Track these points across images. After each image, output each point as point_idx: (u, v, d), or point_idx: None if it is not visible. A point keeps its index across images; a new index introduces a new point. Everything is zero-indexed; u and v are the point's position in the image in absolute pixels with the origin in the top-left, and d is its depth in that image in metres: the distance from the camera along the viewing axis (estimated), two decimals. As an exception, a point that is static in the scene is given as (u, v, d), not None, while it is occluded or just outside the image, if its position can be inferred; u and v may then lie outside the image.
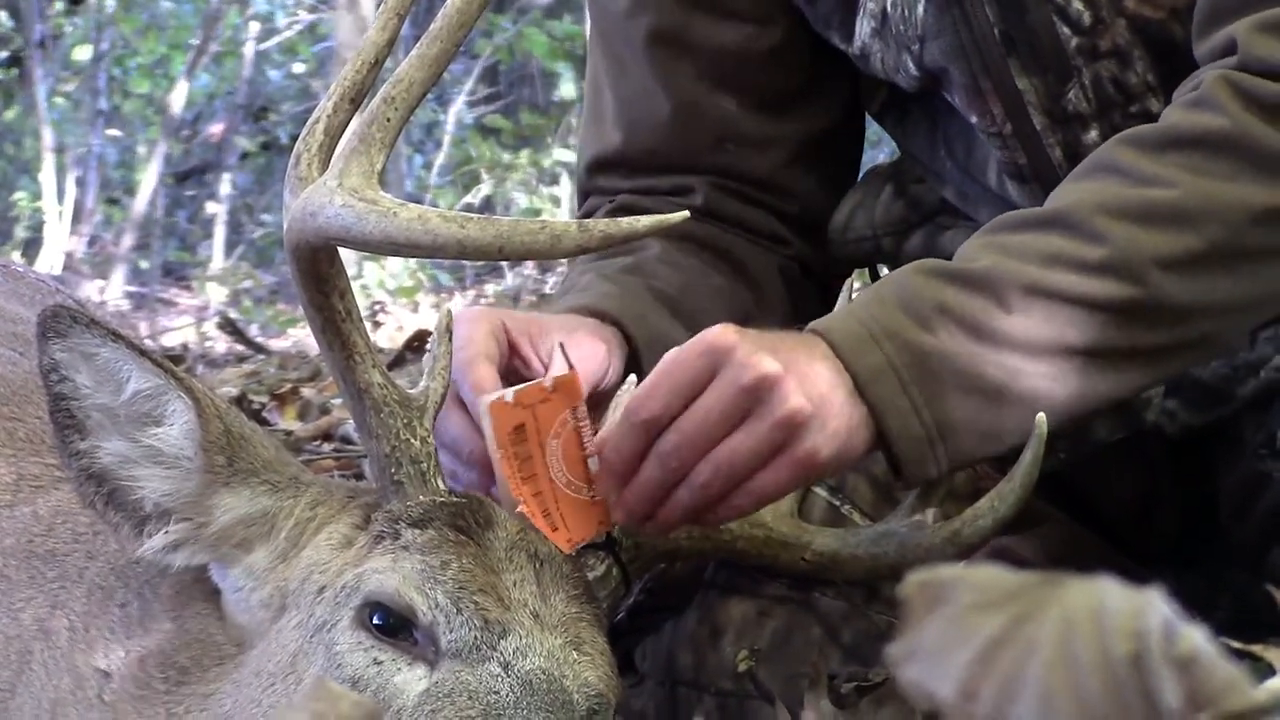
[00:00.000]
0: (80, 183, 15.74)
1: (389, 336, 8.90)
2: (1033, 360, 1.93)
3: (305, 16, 16.50)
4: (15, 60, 16.73)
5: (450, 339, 1.92)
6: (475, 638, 1.70)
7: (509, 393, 1.86)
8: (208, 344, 9.47)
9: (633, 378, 2.15)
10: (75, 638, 1.89)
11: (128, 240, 15.17)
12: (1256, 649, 1.81)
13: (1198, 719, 0.78)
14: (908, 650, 0.84)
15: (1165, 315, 1.98)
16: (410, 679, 1.70)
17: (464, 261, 11.56)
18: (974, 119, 2.35)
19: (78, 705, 1.85)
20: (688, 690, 2.18)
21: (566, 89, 14.04)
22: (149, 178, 15.38)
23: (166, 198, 16.95)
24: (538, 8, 15.43)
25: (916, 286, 1.98)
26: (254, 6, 16.05)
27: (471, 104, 16.17)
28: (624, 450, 1.89)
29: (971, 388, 1.94)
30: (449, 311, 1.99)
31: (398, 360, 5.89)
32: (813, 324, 2.00)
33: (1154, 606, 0.79)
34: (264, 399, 5.26)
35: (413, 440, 1.82)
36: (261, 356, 7.80)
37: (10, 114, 17.20)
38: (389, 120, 1.76)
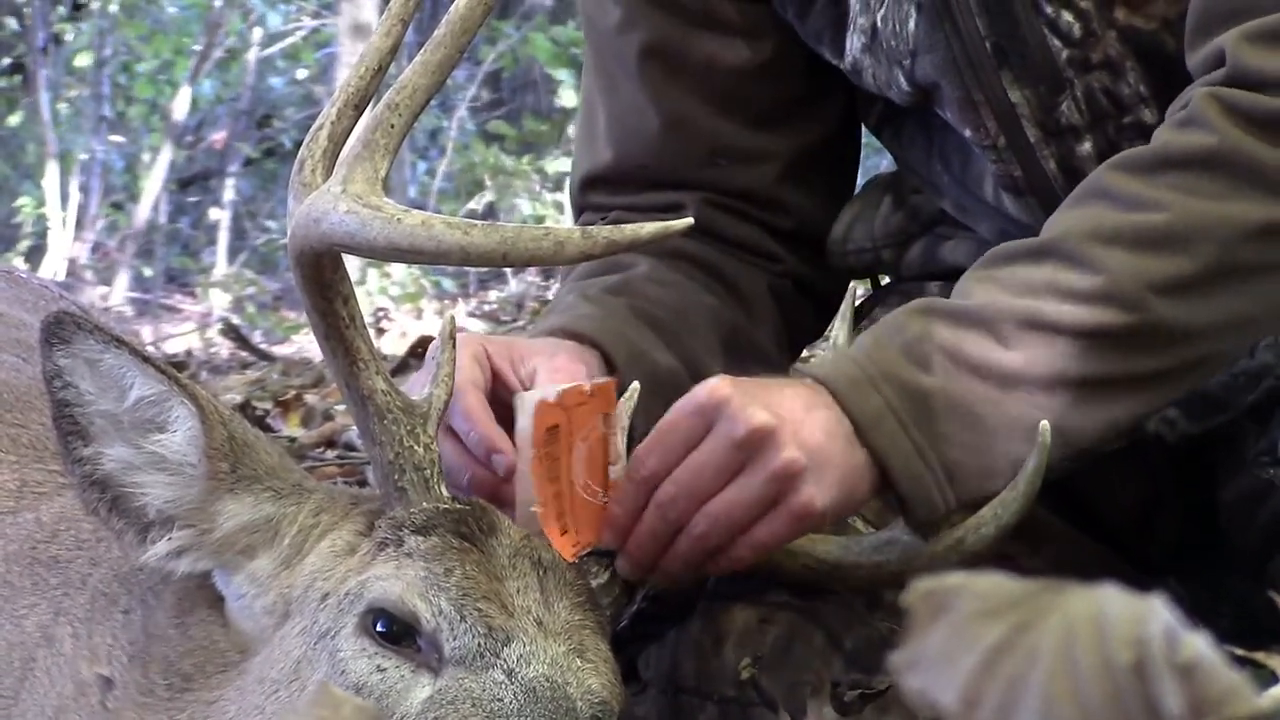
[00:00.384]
0: (83, 189, 15.74)
1: (392, 343, 8.89)
2: (1033, 393, 1.93)
3: (309, 22, 16.51)
4: (19, 66, 16.74)
5: (454, 346, 1.93)
6: (479, 645, 1.70)
7: (552, 392, 1.87)
8: (211, 350, 9.46)
9: (635, 385, 2.16)
10: (78, 644, 1.89)
11: (131, 246, 15.17)
12: (1258, 656, 1.81)
13: (1200, 727, 0.79)
14: (911, 658, 0.84)
15: (1164, 340, 1.98)
16: (414, 686, 1.70)
17: (468, 268, 11.57)
18: (968, 133, 2.35)
19: (81, 712, 1.85)
20: (690, 698, 2.18)
21: (568, 96, 14.03)
22: (152, 184, 15.39)
23: (170, 204, 16.95)
24: (543, 11, 15.44)
25: (912, 327, 1.98)
26: (255, 11, 16.05)
27: (475, 110, 16.17)
28: (626, 505, 1.93)
29: (973, 425, 1.95)
30: (452, 318, 2.00)
31: (401, 367, 5.88)
32: (810, 369, 2.02)
33: (1156, 614, 0.79)
34: (268, 405, 5.26)
35: (416, 447, 1.82)
36: (265, 363, 7.81)
37: (14, 120, 17.20)
38: (393, 126, 1.77)
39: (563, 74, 14.10)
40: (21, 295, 2.71)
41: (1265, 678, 1.85)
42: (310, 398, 5.40)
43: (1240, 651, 1.80)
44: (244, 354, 8.46)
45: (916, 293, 2.62)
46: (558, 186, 13.48)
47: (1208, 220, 1.97)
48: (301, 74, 17.32)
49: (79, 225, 15.42)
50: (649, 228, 1.66)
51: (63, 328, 1.76)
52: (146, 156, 16.60)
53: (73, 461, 1.79)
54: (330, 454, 4.39)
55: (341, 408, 4.69)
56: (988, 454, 1.96)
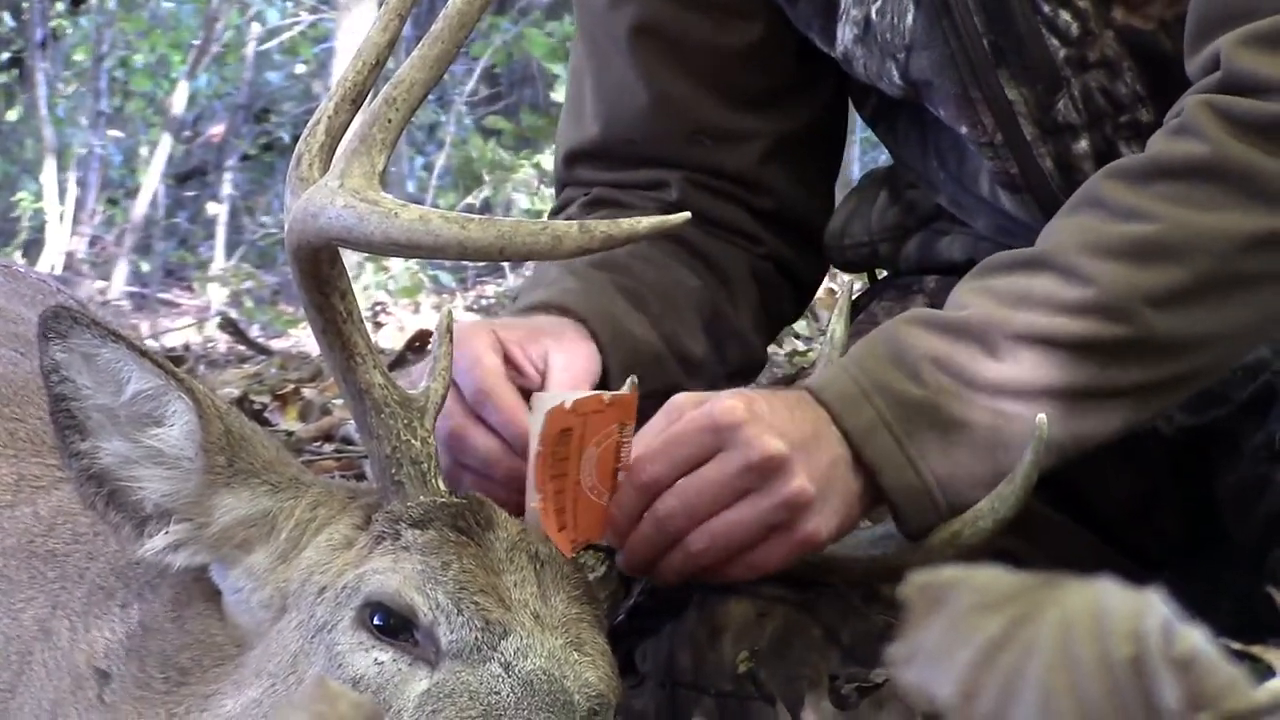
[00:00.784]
0: (81, 183, 15.76)
1: (390, 337, 8.90)
2: (1025, 405, 1.93)
3: (306, 17, 16.50)
4: (17, 61, 16.74)
5: (451, 340, 1.93)
6: (476, 638, 1.70)
7: (569, 399, 1.87)
8: (209, 344, 9.47)
9: (633, 379, 2.16)
10: (76, 638, 1.89)
11: (129, 241, 15.17)
12: (1256, 650, 1.81)
13: (1197, 720, 0.79)
14: (908, 651, 0.84)
15: (1157, 351, 1.97)
16: (411, 679, 1.70)
17: (465, 263, 11.57)
18: (964, 129, 2.35)
19: (78, 705, 1.85)
20: (687, 691, 2.18)
21: (563, 91, 14.04)
22: (150, 178, 15.39)
23: (168, 198, 16.96)
24: (539, 8, 15.43)
25: (905, 338, 1.98)
26: (253, 6, 16.05)
27: (472, 105, 16.17)
28: (625, 508, 1.92)
29: (965, 436, 1.95)
30: (449, 312, 2.00)
31: (399, 361, 5.88)
32: (807, 382, 2.02)
33: (1154, 607, 0.79)
34: (265, 400, 5.26)
35: (413, 441, 1.82)
36: (263, 357, 7.80)
37: (12, 115, 17.21)
38: (390, 121, 1.76)
39: (559, 69, 14.10)
40: (19, 289, 2.70)
41: (1263, 672, 1.85)
42: (308, 392, 5.39)
43: (1238, 646, 1.80)
44: (241, 348, 8.46)
45: (913, 287, 2.63)
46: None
47: (1200, 231, 1.96)
48: (299, 69, 17.32)
49: (77, 220, 15.43)
50: (646, 222, 1.66)
51: (60, 322, 1.76)
52: (144, 151, 16.62)
53: (70, 455, 1.79)
54: (328, 448, 4.39)
55: (339, 402, 4.69)
56: (979, 465, 1.95)
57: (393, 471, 1.81)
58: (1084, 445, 2.01)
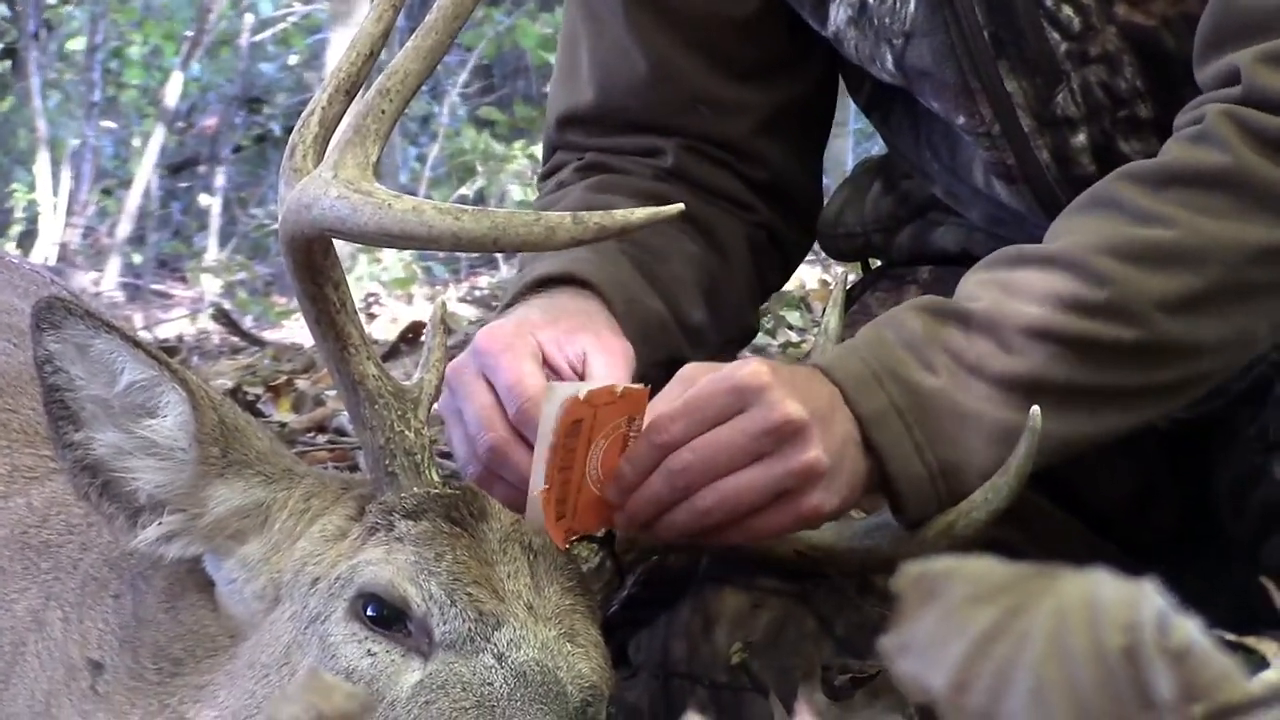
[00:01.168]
0: (75, 175, 15.73)
1: (383, 328, 8.89)
2: (1034, 400, 1.93)
3: (299, 8, 16.48)
4: (10, 52, 16.71)
5: (444, 331, 1.93)
6: (469, 629, 1.70)
7: (583, 390, 1.86)
8: (202, 336, 9.46)
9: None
10: (69, 629, 1.89)
11: (122, 232, 15.15)
12: (1250, 641, 1.81)
13: (1191, 711, 0.78)
14: (901, 642, 0.84)
15: (1168, 355, 1.99)
16: (404, 670, 1.70)
17: (458, 254, 11.56)
18: (961, 119, 2.35)
19: (71, 696, 1.85)
20: (681, 682, 2.18)
21: (558, 81, 14.01)
22: (143, 169, 15.37)
23: (161, 189, 16.94)
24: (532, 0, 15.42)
25: (918, 326, 1.98)
26: (247, -2, 16.05)
27: (466, 96, 16.16)
28: (638, 465, 1.90)
29: (973, 427, 1.95)
30: (443, 304, 1.99)
31: (392, 352, 5.89)
32: (816, 360, 2.02)
33: (1148, 598, 0.79)
34: (259, 391, 5.25)
35: (407, 432, 1.82)
36: (256, 348, 7.80)
37: (5, 106, 17.18)
38: (384, 112, 1.76)
39: (553, 60, 14.09)
40: (13, 280, 2.70)
41: (1257, 663, 1.86)
42: (301, 383, 5.39)
43: (1232, 637, 1.80)
44: (235, 339, 8.45)
45: (907, 277, 2.63)
46: (549, 172, 13.47)
47: (1216, 240, 1.98)
48: (293, 59, 17.30)
49: (70, 211, 15.41)
50: (640, 213, 1.65)
51: (53, 313, 1.76)
52: (137, 142, 16.60)
53: (63, 446, 1.79)
54: (321, 439, 4.39)
55: (332, 393, 4.69)
56: (985, 457, 1.96)
57: (386, 463, 1.81)
58: (1081, 444, 2.02)
